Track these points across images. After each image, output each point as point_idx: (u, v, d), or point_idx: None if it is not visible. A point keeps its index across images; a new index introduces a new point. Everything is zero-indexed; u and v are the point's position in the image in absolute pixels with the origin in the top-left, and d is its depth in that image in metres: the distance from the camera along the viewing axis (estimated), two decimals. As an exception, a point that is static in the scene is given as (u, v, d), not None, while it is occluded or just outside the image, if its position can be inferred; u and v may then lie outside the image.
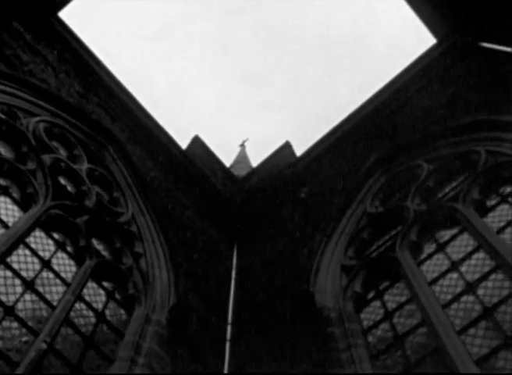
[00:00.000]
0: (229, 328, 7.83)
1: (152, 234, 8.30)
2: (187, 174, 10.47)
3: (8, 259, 6.07)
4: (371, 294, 7.09)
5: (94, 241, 7.49)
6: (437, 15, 11.03)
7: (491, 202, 6.83)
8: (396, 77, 10.43)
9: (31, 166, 7.25)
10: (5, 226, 6.36)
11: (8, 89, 7.74)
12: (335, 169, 9.71)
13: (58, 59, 9.37)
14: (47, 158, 7.55)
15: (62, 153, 8.17)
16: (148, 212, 8.57)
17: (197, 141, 12.95)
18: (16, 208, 6.76)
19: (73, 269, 6.91)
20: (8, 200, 6.75)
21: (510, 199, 6.62)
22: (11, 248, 6.11)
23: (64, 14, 10.86)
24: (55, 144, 8.15)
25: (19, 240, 6.30)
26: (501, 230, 6.33)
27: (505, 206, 6.62)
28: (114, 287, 7.22)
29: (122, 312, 7.10)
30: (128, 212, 8.29)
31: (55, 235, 7.01)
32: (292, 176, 10.55)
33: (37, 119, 7.97)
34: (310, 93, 75.40)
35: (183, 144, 13.59)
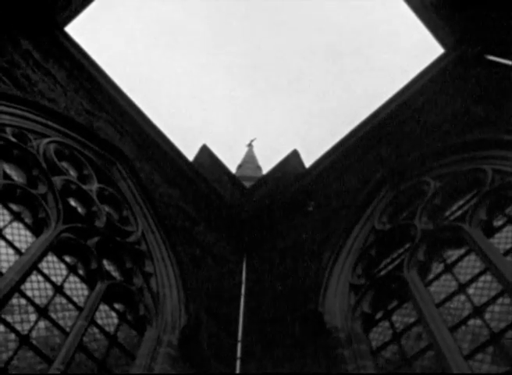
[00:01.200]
0: (239, 346, 7.92)
1: (162, 252, 8.40)
2: (196, 188, 10.55)
3: (22, 287, 6.21)
4: (379, 314, 7.16)
5: (105, 262, 7.60)
6: (444, 26, 11.07)
7: (498, 223, 6.88)
8: (403, 89, 10.46)
9: (42, 189, 7.36)
10: (19, 252, 6.49)
11: (18, 112, 7.85)
12: (342, 182, 9.78)
13: (67, 76, 9.47)
14: (57, 181, 7.65)
15: (72, 174, 8.27)
16: (158, 229, 8.67)
17: (204, 150, 13.03)
18: (28, 233, 6.89)
19: (85, 292, 7.02)
20: (20, 225, 6.87)
21: (516, 221, 6.68)
22: (24, 276, 6.24)
23: (70, 28, 11.02)
24: (65, 164, 8.26)
25: (33, 266, 6.42)
26: (508, 252, 6.39)
27: (511, 228, 6.68)
28: (125, 308, 7.33)
29: (134, 333, 7.21)
30: (138, 231, 8.39)
31: (67, 258, 7.13)
32: (300, 189, 10.61)
33: (48, 140, 8.07)
34: (317, 98, 75.76)
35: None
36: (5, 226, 6.62)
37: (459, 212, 7.36)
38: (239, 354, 7.87)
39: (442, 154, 8.23)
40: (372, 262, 7.86)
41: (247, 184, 25.69)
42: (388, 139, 9.77)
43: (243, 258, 9.92)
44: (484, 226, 6.88)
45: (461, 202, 7.58)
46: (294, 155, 13.18)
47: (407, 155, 8.83)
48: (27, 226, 6.91)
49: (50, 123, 8.27)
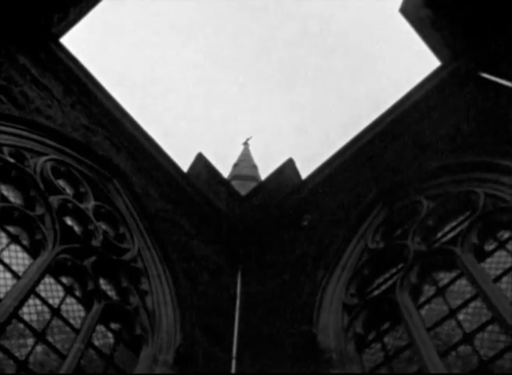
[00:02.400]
0: (233, 363, 8.04)
1: (158, 269, 8.50)
2: (191, 200, 10.63)
3: (20, 312, 6.29)
4: (371, 335, 7.28)
5: (102, 281, 7.69)
6: (440, 39, 11.15)
7: (489, 247, 6.99)
8: (397, 103, 10.53)
9: (39, 210, 7.44)
10: (16, 276, 6.58)
11: (15, 130, 7.92)
12: (337, 197, 9.87)
13: (64, 91, 9.51)
14: (54, 201, 7.73)
15: (69, 191, 8.35)
16: (153, 245, 8.77)
17: (200, 159, 13.10)
18: (25, 255, 6.97)
19: (82, 314, 7.11)
20: (18, 248, 6.95)
21: (507, 246, 6.79)
22: (22, 301, 6.32)
23: (66, 38, 11.05)
24: (61, 182, 8.34)
25: (30, 290, 6.50)
26: (498, 278, 6.50)
27: (502, 253, 6.79)
28: (121, 328, 7.43)
29: (130, 353, 7.32)
30: (134, 248, 8.48)
31: (64, 280, 7.22)
32: (294, 203, 10.70)
33: (45, 158, 8.14)
34: (313, 99, 76.21)
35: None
36: (3, 250, 6.70)
37: (451, 234, 7.47)
38: (233, 370, 7.98)
39: (436, 174, 8.33)
40: (365, 281, 7.97)
41: (243, 183, 25.95)
42: (382, 155, 9.85)
43: (237, 271, 10.02)
44: (475, 250, 6.99)
45: (454, 224, 7.69)
46: (289, 164, 13.27)
47: (401, 173, 8.92)
48: (25, 249, 6.99)
49: (47, 140, 8.34)
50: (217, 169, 13.20)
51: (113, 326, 7.39)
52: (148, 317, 7.78)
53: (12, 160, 7.57)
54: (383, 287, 7.66)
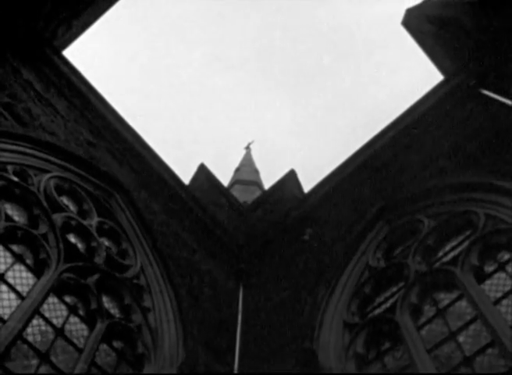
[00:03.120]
0: (235, 379, 8.11)
1: (160, 285, 8.57)
2: (193, 214, 10.69)
3: (24, 333, 6.36)
4: (372, 355, 7.34)
5: (104, 299, 7.75)
6: (442, 53, 11.22)
7: (489, 269, 7.05)
8: (399, 117, 10.59)
9: (43, 229, 7.50)
10: (21, 297, 6.64)
11: (19, 148, 7.99)
12: (338, 212, 9.93)
13: (67, 106, 9.58)
14: (58, 219, 7.79)
15: (72, 208, 8.41)
16: (156, 261, 8.83)
17: (202, 170, 13.17)
18: (29, 275, 7.03)
19: (85, 333, 7.18)
20: (22, 267, 7.02)
21: (507, 268, 6.85)
22: (27, 322, 6.38)
23: (69, 50, 11.13)
24: (65, 199, 8.40)
25: (35, 311, 6.57)
26: (498, 301, 6.56)
27: (502, 275, 6.84)
28: (124, 346, 7.49)
29: (133, 371, 7.38)
30: (137, 264, 8.54)
31: (67, 299, 7.28)
32: (296, 218, 10.77)
33: (48, 176, 8.21)
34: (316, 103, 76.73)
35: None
36: (7, 270, 6.77)
37: (452, 254, 7.54)
38: (235, 387, 8.06)
39: (437, 193, 8.38)
40: (366, 299, 8.02)
41: (245, 188, 26.02)
42: (384, 170, 9.91)
43: (239, 286, 10.09)
44: (475, 271, 7.04)
45: (454, 243, 7.75)
46: (291, 176, 13.34)
47: (402, 190, 8.98)
48: (29, 268, 7.06)
49: (51, 157, 8.41)
50: (219, 180, 13.28)
51: (116, 344, 7.44)
52: (151, 335, 7.83)
53: (16, 179, 7.63)
54: (384, 306, 7.71)
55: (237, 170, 28.25)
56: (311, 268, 9.19)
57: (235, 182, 26.53)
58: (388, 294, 7.89)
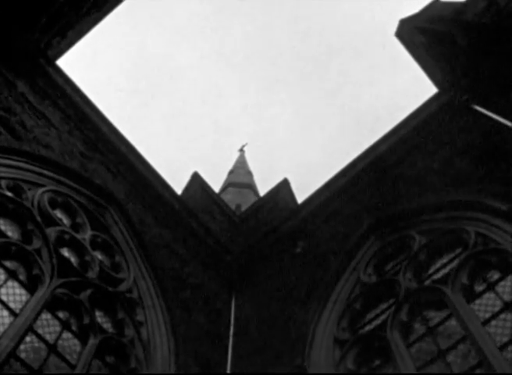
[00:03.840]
0: (226, 393, 8.18)
1: (153, 299, 8.61)
2: (186, 225, 10.74)
3: (17, 350, 6.39)
4: (363, 371, 7.40)
5: (97, 313, 7.79)
6: (436, 66, 11.29)
7: (478, 288, 7.13)
8: (392, 130, 10.66)
9: (37, 244, 7.52)
10: (14, 314, 6.67)
11: (13, 163, 8.02)
12: (330, 226, 10.00)
13: (61, 118, 9.60)
14: (51, 233, 7.82)
15: (66, 222, 8.44)
16: (149, 274, 8.88)
17: (196, 179, 13.21)
18: (23, 291, 7.06)
19: (78, 348, 7.21)
20: (15, 284, 7.04)
21: (496, 288, 6.93)
22: (20, 339, 6.42)
23: (63, 60, 11.15)
24: (58, 213, 8.43)
25: (28, 328, 6.59)
26: (487, 321, 6.64)
27: (491, 295, 6.93)
28: (117, 361, 7.53)
29: (125, 387, 7.43)
30: (130, 278, 8.58)
31: (60, 314, 7.31)
32: (288, 230, 10.83)
33: (42, 190, 8.24)
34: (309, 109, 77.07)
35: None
36: (0, 287, 6.80)
37: (442, 272, 7.62)
38: (226, 401, 8.12)
39: (429, 209, 8.46)
40: (357, 315, 8.09)
41: (239, 191, 26.07)
42: (376, 184, 9.98)
43: (231, 298, 10.14)
44: (465, 290, 7.12)
45: (445, 260, 7.84)
46: (284, 185, 13.40)
47: (394, 205, 9.06)
48: (22, 284, 7.08)
49: (45, 171, 8.43)
50: (213, 189, 13.34)
51: (109, 359, 7.48)
52: (143, 349, 7.88)
53: (10, 194, 7.65)
54: (375, 323, 7.79)
55: (231, 173, 28.33)
56: (302, 282, 9.25)
57: (228, 184, 26.60)
58: (378, 310, 7.97)
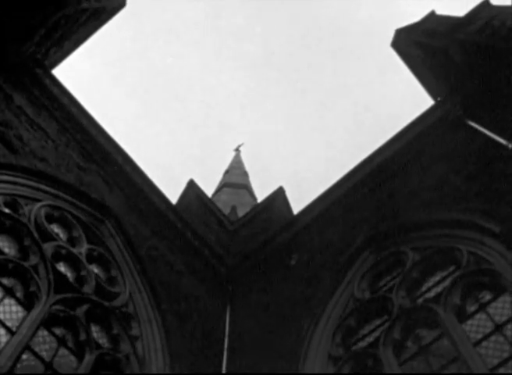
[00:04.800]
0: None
1: (148, 312, 8.69)
2: (181, 236, 10.80)
3: (14, 369, 6.46)
4: (357, 390, 7.51)
5: (93, 328, 7.86)
6: (431, 77, 11.37)
7: (470, 308, 7.22)
8: (387, 143, 10.74)
9: (34, 260, 7.59)
10: (11, 332, 6.73)
11: (10, 178, 8.06)
12: (325, 238, 10.07)
13: (58, 129, 9.64)
14: (48, 249, 7.89)
15: (62, 236, 8.50)
16: (144, 288, 8.95)
17: (191, 186, 13.27)
18: (19, 308, 7.12)
19: (74, 364, 7.28)
20: (12, 301, 7.11)
21: (488, 309, 7.03)
22: (17, 358, 6.49)
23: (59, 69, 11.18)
24: (55, 227, 8.49)
25: (25, 347, 6.66)
26: (478, 342, 6.74)
27: (483, 316, 7.02)
28: (113, 377, 7.62)
29: (120, 402, 7.51)
30: (125, 292, 8.65)
31: (56, 331, 7.37)
32: (283, 242, 10.91)
33: (39, 205, 8.29)
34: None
35: (181, 179, 13.97)
36: (-2, 305, 6.87)
37: (435, 290, 7.71)
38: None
39: (422, 226, 8.54)
40: (350, 331, 8.17)
41: (234, 191, 26.12)
42: (369, 199, 10.06)
43: (226, 310, 10.22)
44: (457, 310, 7.21)
45: (438, 278, 7.92)
46: (279, 193, 13.47)
47: (388, 221, 9.13)
48: (19, 302, 7.14)
49: (41, 186, 8.48)
50: (208, 197, 13.41)
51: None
52: (139, 364, 7.95)
53: (7, 210, 7.71)
54: (368, 340, 7.88)
55: (226, 173, 28.37)
56: (296, 296, 9.34)
57: (224, 185, 26.65)
58: (372, 326, 8.05)
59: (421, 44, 10.80)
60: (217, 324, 9.84)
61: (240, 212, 24.27)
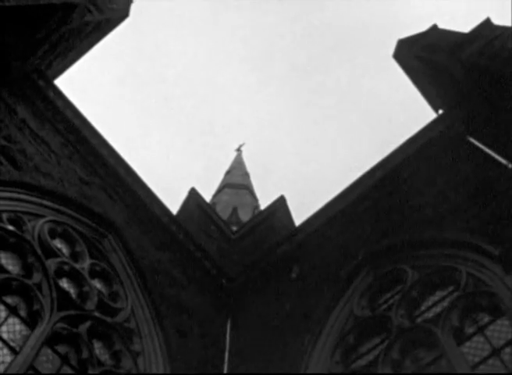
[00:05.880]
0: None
1: (150, 327, 8.78)
2: (183, 248, 10.86)
3: (17, 389, 6.56)
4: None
5: (95, 345, 7.95)
6: (432, 90, 11.42)
7: (469, 330, 7.29)
8: (388, 156, 10.79)
9: (37, 277, 7.68)
10: (15, 351, 6.84)
11: (14, 195, 8.14)
12: (326, 253, 10.14)
13: (61, 142, 9.71)
14: (51, 265, 7.98)
15: (65, 251, 8.60)
16: (146, 302, 9.04)
17: (193, 195, 13.34)
18: (23, 327, 7.22)
19: (77, 382, 7.39)
20: (16, 320, 7.21)
21: (486, 332, 7.11)
22: (21, 378, 6.60)
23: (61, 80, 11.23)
24: (58, 242, 8.57)
25: (28, 367, 6.77)
26: (476, 365, 6.82)
27: (481, 338, 7.10)
28: (115, 394, 7.72)
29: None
30: (127, 307, 8.74)
31: (60, 348, 7.48)
32: (284, 254, 10.98)
33: (42, 221, 8.38)
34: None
35: (183, 188, 13.98)
36: (1, 324, 6.96)
37: (434, 310, 7.79)
38: None
39: (421, 245, 8.60)
40: (350, 349, 8.25)
41: (235, 192, 26.21)
42: (370, 213, 10.12)
43: (227, 324, 10.31)
44: (455, 332, 7.28)
45: (437, 298, 8.00)
46: (281, 202, 13.55)
47: (388, 237, 9.20)
48: (22, 320, 7.24)
49: (45, 201, 8.56)
50: (209, 205, 13.49)
51: (107, 391, 7.68)
52: (141, 380, 8.07)
53: (11, 227, 7.80)
54: (367, 358, 7.97)
55: (228, 173, 28.46)
56: (297, 310, 9.42)
57: (225, 185, 26.76)
58: (371, 345, 8.13)
59: (422, 59, 10.83)
60: (218, 338, 9.94)
61: (241, 214, 24.41)
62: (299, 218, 12.32)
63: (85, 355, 7.57)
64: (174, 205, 14.60)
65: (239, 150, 31.48)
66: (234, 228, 19.61)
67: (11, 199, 8.07)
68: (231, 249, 12.61)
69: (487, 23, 9.37)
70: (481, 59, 8.40)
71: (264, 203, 27.98)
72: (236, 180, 27.06)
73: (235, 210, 23.16)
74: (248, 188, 26.68)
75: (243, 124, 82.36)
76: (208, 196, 27.01)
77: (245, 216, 24.45)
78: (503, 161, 8.58)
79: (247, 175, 28.71)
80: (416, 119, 13.03)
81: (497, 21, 9.31)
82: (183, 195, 14.14)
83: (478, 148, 9.33)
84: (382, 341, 8.01)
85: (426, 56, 10.47)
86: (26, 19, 8.14)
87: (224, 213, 24.25)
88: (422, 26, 12.19)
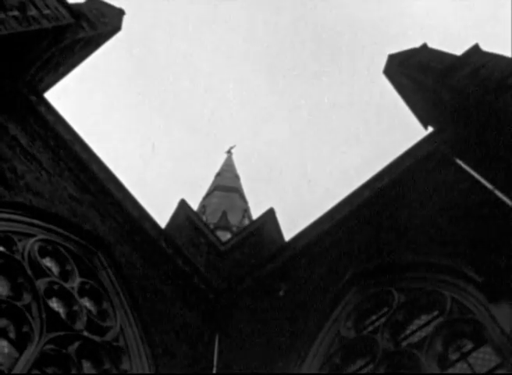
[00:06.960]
0: None
1: (138, 345, 8.85)
2: (172, 262, 10.92)
3: (6, 414, 6.63)
4: None
5: (84, 365, 8.02)
6: (421, 106, 11.55)
7: (452, 356, 7.43)
8: (377, 174, 10.90)
9: (27, 298, 7.72)
10: (3, 375, 6.89)
11: (5, 215, 8.16)
12: (314, 270, 10.24)
13: (53, 159, 9.73)
14: (41, 285, 8.01)
15: (55, 270, 8.64)
16: (135, 320, 9.10)
17: (182, 206, 13.41)
18: (12, 350, 7.27)
19: (66, 405, 7.46)
20: (5, 343, 7.25)
21: (469, 359, 7.24)
22: (10, 404, 6.66)
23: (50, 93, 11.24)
24: (48, 261, 8.61)
25: (19, 391, 6.83)
26: (459, 393, 6.97)
27: (464, 365, 7.24)
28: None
29: None
30: (116, 325, 8.80)
31: (48, 370, 7.53)
32: (272, 271, 11.08)
33: (33, 240, 8.40)
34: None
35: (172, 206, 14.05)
36: (-9, 349, 7.01)
37: (418, 334, 7.92)
38: None
39: (407, 268, 8.73)
40: (336, 369, 8.37)
41: (226, 195, 26.28)
42: (357, 232, 10.22)
43: (215, 340, 10.38)
44: (439, 357, 7.41)
45: (422, 322, 8.13)
46: (270, 215, 13.64)
47: (374, 259, 9.32)
48: (11, 343, 7.28)
49: (35, 220, 8.59)
50: (199, 216, 13.56)
51: (94, 411, 7.75)
52: (128, 400, 8.15)
53: (1, 248, 7.83)
54: (352, 381, 8.10)
55: (218, 175, 28.52)
56: (284, 329, 9.52)
57: (215, 188, 26.82)
58: (356, 366, 8.26)
59: (412, 78, 10.94)
60: (206, 354, 10.02)
61: (231, 217, 24.49)
62: (290, 223, 12.36)
63: (74, 377, 7.64)
64: (165, 213, 14.69)
65: (229, 152, 31.56)
66: (223, 233, 19.79)
67: (1, 220, 8.09)
68: (219, 263, 12.68)
69: (475, 48, 9.48)
70: (469, 88, 8.51)
71: (253, 206, 28.18)
72: (227, 183, 27.13)
73: (224, 214, 23.24)
74: (238, 191, 26.75)
75: (236, 127, 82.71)
76: (199, 198, 27.12)
77: (235, 218, 24.54)
78: (489, 186, 8.70)
79: (237, 177, 28.79)
80: (407, 132, 13.12)
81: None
82: (175, 198, 14.28)
83: (465, 171, 9.44)
84: (367, 364, 8.14)
85: (416, 76, 10.58)
86: (19, 44, 8.16)
87: (214, 216, 24.35)
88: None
